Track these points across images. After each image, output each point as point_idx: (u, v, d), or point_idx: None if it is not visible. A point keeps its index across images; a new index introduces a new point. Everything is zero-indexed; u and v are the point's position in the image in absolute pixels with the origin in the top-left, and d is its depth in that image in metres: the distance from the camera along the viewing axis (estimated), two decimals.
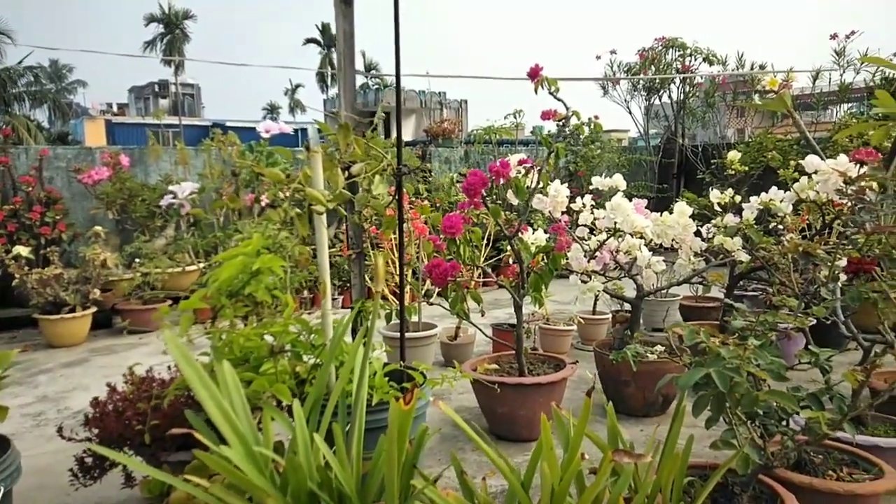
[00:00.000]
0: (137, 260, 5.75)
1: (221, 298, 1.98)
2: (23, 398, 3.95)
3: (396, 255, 4.43)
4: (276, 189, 3.00)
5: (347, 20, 2.52)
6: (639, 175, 10.28)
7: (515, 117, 9.29)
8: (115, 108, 42.79)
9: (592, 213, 3.71)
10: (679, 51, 9.92)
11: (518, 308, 3.19)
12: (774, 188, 3.48)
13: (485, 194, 2.95)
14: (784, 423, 2.01)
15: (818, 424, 1.78)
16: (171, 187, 4.16)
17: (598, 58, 10.43)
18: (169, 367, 2.58)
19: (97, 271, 5.29)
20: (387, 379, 2.33)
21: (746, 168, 4.19)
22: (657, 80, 10.06)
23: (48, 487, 2.72)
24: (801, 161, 3.01)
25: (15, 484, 1.91)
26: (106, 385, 2.41)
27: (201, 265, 6.19)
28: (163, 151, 6.83)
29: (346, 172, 2.47)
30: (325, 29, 50.39)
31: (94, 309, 5.31)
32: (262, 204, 6.16)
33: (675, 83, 10.17)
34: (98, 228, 5.63)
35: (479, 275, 3.42)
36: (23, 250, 4.99)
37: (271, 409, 1.62)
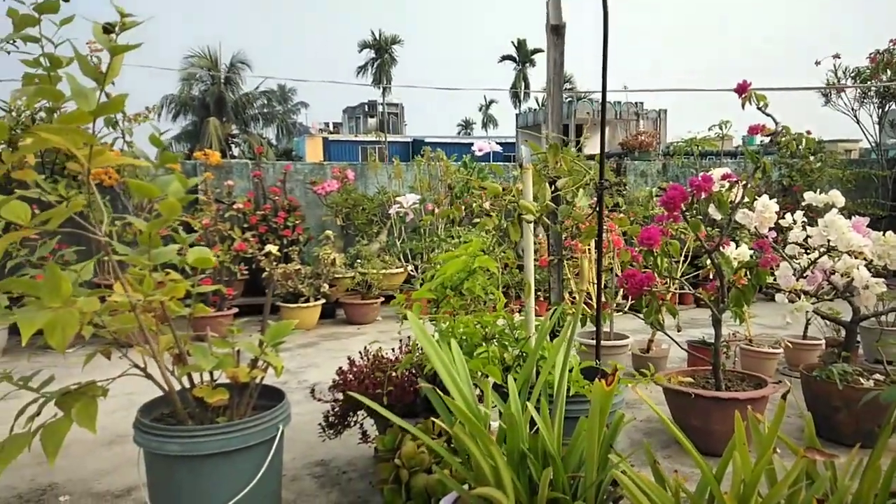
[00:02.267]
0: (359, 261, 6.58)
1: (446, 291, 2.34)
2: (270, 371, 4.79)
3: (592, 264, 4.59)
4: (483, 200, 3.35)
5: (558, 50, 2.79)
6: (868, 191, 9.21)
7: (721, 128, 8.87)
8: (330, 127, 47.84)
9: (804, 229, 3.56)
10: None
11: (717, 322, 3.20)
12: None
13: (684, 208, 3.02)
14: None
15: None
16: (398, 198, 4.82)
17: (817, 63, 9.58)
18: (392, 350, 3.04)
19: (327, 269, 6.16)
20: (582, 376, 2.55)
21: None
22: (894, 86, 8.96)
23: (296, 441, 3.31)
24: None
25: (286, 426, 2.43)
26: (347, 358, 2.92)
27: (409, 268, 6.88)
28: (381, 166, 7.70)
29: (552, 186, 2.73)
30: (520, 45, 51.64)
31: (322, 301, 6.19)
32: (466, 213, 6.67)
33: None
34: (328, 232, 6.56)
35: (678, 287, 3.48)
36: (273, 249, 5.99)
37: (488, 386, 1.93)
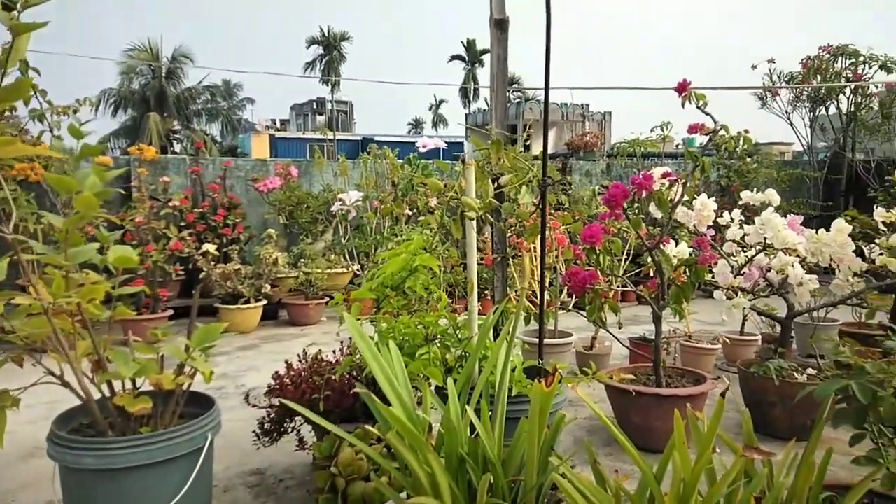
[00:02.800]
0: (302, 260, 6.41)
1: (386, 290, 2.26)
2: (204, 377, 4.59)
3: (536, 262, 4.59)
4: (428, 198, 3.28)
5: (501, 45, 2.74)
6: (801, 192, 9.59)
7: (663, 129, 9.06)
8: (277, 124, 46.78)
9: (741, 227, 3.63)
10: (850, 59, 9.16)
11: (657, 319, 3.22)
12: None
13: (626, 206, 3.03)
14: None
15: None
16: (340, 195, 4.69)
17: (754, 67, 9.91)
18: (333, 352, 2.94)
19: (269, 269, 5.98)
20: (524, 375, 2.51)
21: None
22: (823, 91, 9.35)
23: (231, 448, 3.17)
24: None
25: (216, 435, 2.30)
26: (284, 362, 2.80)
27: (354, 268, 6.75)
28: (326, 163, 7.54)
29: (495, 183, 2.68)
30: (469, 45, 51.83)
31: (264, 302, 6.00)
32: (411, 212, 6.59)
33: (844, 93, 9.40)
34: (271, 231, 6.36)
35: (620, 284, 3.49)
36: (211, 248, 5.77)
37: (428, 389, 1.86)
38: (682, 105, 3.07)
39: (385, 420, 1.66)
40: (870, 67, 9.10)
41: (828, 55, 9.24)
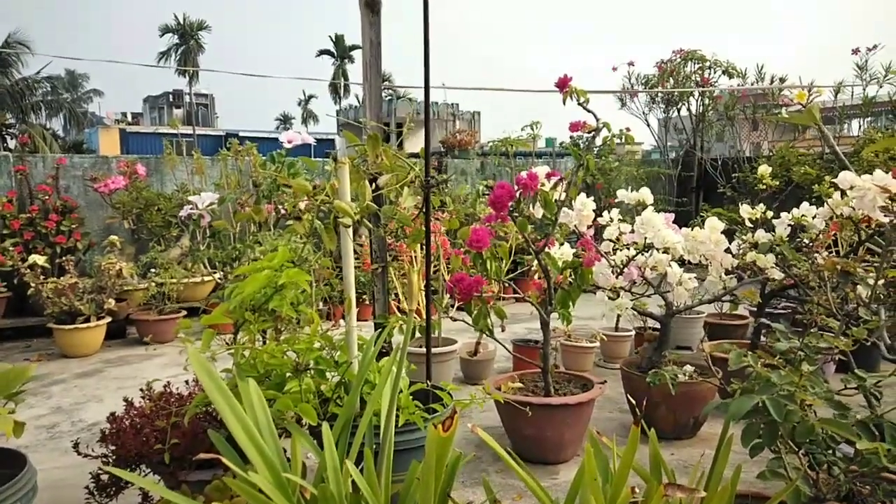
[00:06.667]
0: (153, 270, 5.71)
1: (245, 313, 1.91)
2: (37, 409, 3.90)
3: (416, 268, 4.36)
4: (297, 200, 2.94)
5: (374, 29, 2.46)
6: (657, 188, 10.16)
7: (532, 129, 9.21)
8: (129, 118, 43.19)
9: (619, 227, 3.62)
10: (698, 63, 9.83)
11: (545, 325, 3.10)
12: (805, 204, 3.39)
13: (511, 207, 2.87)
14: (831, 452, 1.91)
15: (876, 456, 1.67)
16: (190, 198, 4.14)
17: (614, 69, 10.36)
18: (187, 382, 2.52)
19: (112, 281, 5.25)
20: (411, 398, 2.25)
21: (777, 183, 4.08)
22: (676, 93, 9.97)
23: (63, 503, 2.64)
24: (828, 177, 2.93)
25: (34, 498, 1.84)
26: (123, 400, 2.34)
27: (217, 276, 6.14)
28: (179, 161, 6.81)
29: (373, 184, 2.40)
30: (338, 40, 50.80)
31: (108, 319, 5.27)
32: (279, 215, 6.10)
33: (693, 96, 10.08)
34: (114, 238, 5.61)
35: (503, 287, 3.34)
36: (39, 259, 4.97)
37: (300, 434, 1.54)
38: (564, 101, 2.96)
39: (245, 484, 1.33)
40: (715, 72, 9.84)
41: (679, 59, 9.85)
